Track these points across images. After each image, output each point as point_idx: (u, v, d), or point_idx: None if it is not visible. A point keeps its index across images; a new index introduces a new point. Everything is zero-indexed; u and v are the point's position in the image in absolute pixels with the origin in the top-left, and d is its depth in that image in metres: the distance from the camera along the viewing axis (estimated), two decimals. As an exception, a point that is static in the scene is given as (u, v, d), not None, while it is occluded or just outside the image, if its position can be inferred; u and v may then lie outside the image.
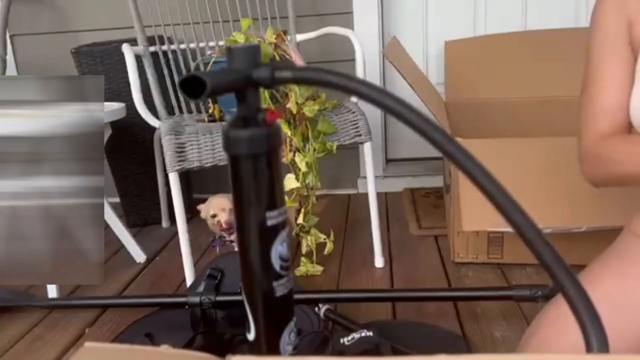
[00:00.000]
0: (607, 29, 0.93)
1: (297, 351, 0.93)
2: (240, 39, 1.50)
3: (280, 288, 0.83)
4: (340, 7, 2.29)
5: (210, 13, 2.03)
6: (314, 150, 1.48)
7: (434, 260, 1.76)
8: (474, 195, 1.18)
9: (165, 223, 2.23)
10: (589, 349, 0.65)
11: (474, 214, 1.47)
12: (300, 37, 2.06)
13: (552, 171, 1.39)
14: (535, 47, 2.19)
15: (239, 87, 0.73)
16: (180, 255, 1.62)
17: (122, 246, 1.90)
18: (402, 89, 1.56)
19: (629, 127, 0.93)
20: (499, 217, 0.98)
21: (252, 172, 0.77)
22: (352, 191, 2.47)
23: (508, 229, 1.02)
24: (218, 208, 1.58)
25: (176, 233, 2.08)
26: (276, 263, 0.82)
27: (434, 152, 1.66)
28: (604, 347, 0.64)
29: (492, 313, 1.39)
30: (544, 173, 1.42)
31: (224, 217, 1.56)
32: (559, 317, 0.91)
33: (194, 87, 0.68)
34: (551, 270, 0.61)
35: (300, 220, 1.56)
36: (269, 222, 0.80)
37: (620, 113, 0.92)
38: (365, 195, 1.74)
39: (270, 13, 2.07)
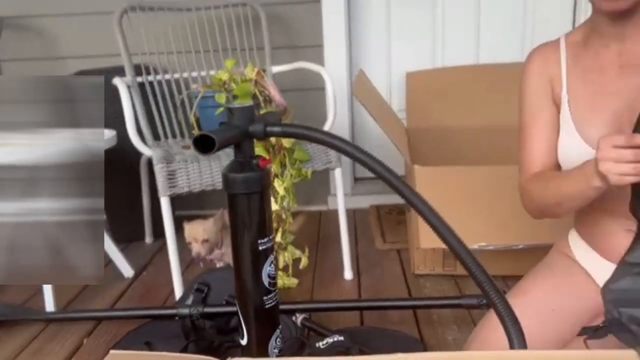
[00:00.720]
0: (533, 86, 1.12)
1: (281, 354, 1.10)
2: (224, 77, 1.65)
3: (269, 301, 1.00)
4: (312, 41, 2.45)
5: (193, 44, 2.17)
6: (291, 176, 1.64)
7: (397, 272, 1.93)
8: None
9: (148, 239, 2.34)
10: (511, 346, 0.84)
11: (431, 232, 1.64)
12: (275, 69, 2.22)
13: (496, 195, 1.57)
14: (487, 79, 2.40)
15: (238, 140, 0.91)
16: (166, 269, 1.75)
17: (110, 261, 2.01)
18: (369, 118, 1.75)
19: (557, 166, 1.11)
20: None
21: (247, 207, 0.94)
22: (323, 207, 2.63)
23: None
24: (191, 238, 1.74)
25: (160, 248, 2.21)
26: (266, 281, 0.99)
27: (400, 170, 1.83)
28: (522, 344, 0.83)
29: (446, 319, 1.57)
30: (489, 197, 1.61)
31: (195, 248, 1.72)
32: (497, 322, 1.09)
33: (204, 142, 0.84)
34: (477, 279, 0.80)
35: (278, 238, 1.71)
36: (261, 247, 0.97)
37: (547, 155, 1.10)
38: (336, 211, 1.91)
39: (248, 44, 2.22)
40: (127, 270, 2.01)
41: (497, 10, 2.50)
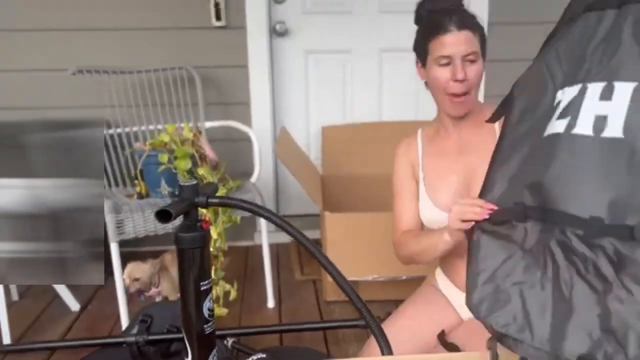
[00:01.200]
0: (400, 167, 1.49)
1: (216, 371, 1.40)
2: (166, 138, 1.94)
3: (208, 329, 1.31)
4: (241, 99, 2.77)
5: (133, 99, 2.44)
6: (223, 222, 1.94)
7: (312, 300, 2.26)
8: (337, 250, 1.77)
9: (90, 275, 2.55)
10: (382, 353, 1.23)
11: (337, 264, 1.99)
12: (208, 124, 2.53)
13: (388, 236, 1.95)
14: (389, 134, 2.80)
15: (187, 210, 1.23)
16: (109, 303, 1.99)
17: (57, 295, 2.21)
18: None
19: (421, 225, 1.48)
20: (356, 269, 1.74)
21: (192, 259, 1.25)
22: (250, 243, 2.92)
23: (362, 277, 1.70)
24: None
25: (101, 284, 2.43)
26: (206, 313, 1.30)
27: (316, 210, 2.19)
28: (389, 351, 1.22)
29: (349, 337, 1.91)
30: (383, 237, 1.97)
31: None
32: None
33: (162, 214, 1.15)
34: (356, 305, 1.17)
35: (211, 275, 2.00)
36: (202, 288, 1.28)
37: (412, 218, 1.45)
38: (261, 246, 2.22)
39: (184, 102, 2.52)
40: (74, 304, 2.21)
41: (396, 76, 2.92)
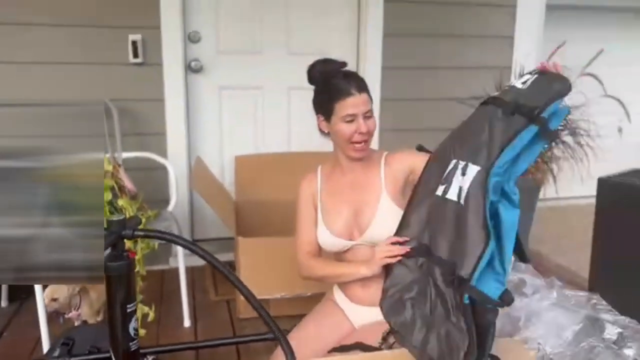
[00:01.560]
0: (303, 197, 1.72)
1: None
2: (87, 172, 2.06)
3: (133, 346, 1.46)
4: (157, 130, 2.90)
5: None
6: (141, 249, 2.08)
7: (225, 318, 2.43)
8: (249, 271, 1.98)
9: (4, 303, 2.55)
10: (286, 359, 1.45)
11: (250, 284, 2.19)
12: (125, 155, 2.64)
13: (294, 258, 2.17)
14: (297, 163, 3.03)
15: (115, 242, 1.39)
16: (26, 329, 2.05)
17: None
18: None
19: (320, 250, 1.73)
20: (266, 288, 2.02)
21: (119, 284, 1.40)
22: (165, 267, 3.03)
23: (272, 296, 1.96)
24: (49, 299, 2.04)
25: (16, 311, 2.45)
26: (131, 332, 1.46)
27: (230, 233, 2.36)
28: (293, 358, 1.44)
29: (259, 349, 2.09)
30: (289, 259, 2.19)
31: (52, 306, 2.05)
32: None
33: (95, 246, 1.29)
34: (264, 319, 1.37)
35: (136, 298, 2.12)
36: (128, 310, 1.43)
37: (312, 241, 1.69)
38: (176, 269, 2.36)
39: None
40: (-12, 332, 2.24)
41: (303, 111, 3.18)
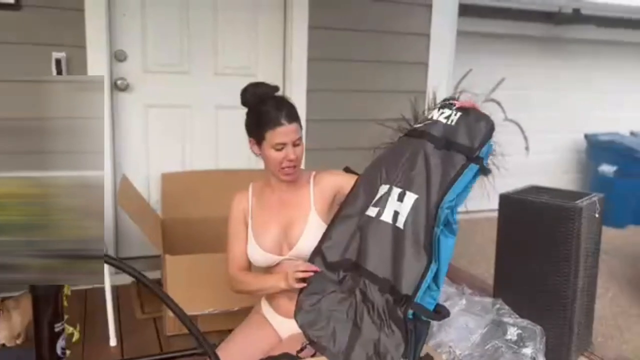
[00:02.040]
0: (234, 214, 1.79)
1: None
2: (9, 192, 2.02)
3: (61, 363, 1.46)
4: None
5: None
6: (67, 268, 2.06)
7: (153, 336, 2.43)
8: (177, 288, 2.02)
9: None
10: None
11: (178, 301, 2.22)
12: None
13: (221, 274, 2.22)
14: (225, 180, 3.08)
15: (44, 262, 1.39)
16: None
17: None
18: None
19: (250, 265, 1.80)
20: (195, 304, 2.09)
21: (46, 304, 1.42)
22: (88, 286, 2.97)
23: (201, 312, 2.03)
24: None
25: None
26: (59, 351, 1.47)
27: (156, 252, 2.37)
28: None
29: (188, 365, 2.14)
30: (219, 275, 2.24)
31: None
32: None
33: (23, 267, 1.31)
34: (193, 334, 1.43)
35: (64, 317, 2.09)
36: (56, 329, 1.44)
37: (243, 256, 1.76)
38: (100, 289, 2.34)
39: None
40: None
41: (231, 129, 3.24)
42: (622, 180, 5.04)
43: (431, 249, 1.34)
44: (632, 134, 5.64)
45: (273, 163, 1.66)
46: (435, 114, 1.50)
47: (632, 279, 3.81)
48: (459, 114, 1.45)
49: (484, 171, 1.40)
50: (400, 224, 1.40)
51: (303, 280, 1.56)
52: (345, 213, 1.57)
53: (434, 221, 1.35)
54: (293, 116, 1.64)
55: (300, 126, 1.68)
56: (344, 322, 1.45)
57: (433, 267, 1.33)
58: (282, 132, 1.61)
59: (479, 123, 1.42)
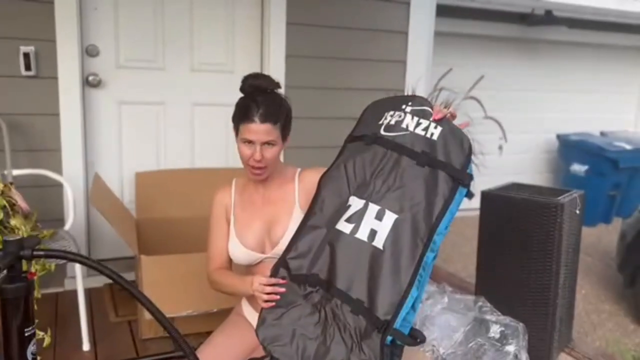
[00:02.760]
0: (216, 210, 1.73)
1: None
2: (-25, 190, 1.92)
3: (32, 370, 1.38)
4: (51, 146, 2.75)
5: None
6: (37, 270, 1.96)
7: (127, 339, 2.34)
8: (154, 290, 1.94)
9: None
10: None
11: (155, 303, 2.14)
12: (16, 172, 2.48)
13: (200, 275, 2.15)
14: (200, 179, 3.02)
15: (14, 262, 1.33)
16: None
17: None
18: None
19: (230, 260, 1.74)
20: (172, 306, 1.99)
21: (16, 308, 1.34)
22: (59, 289, 2.86)
23: (178, 314, 1.94)
24: None
25: None
26: (30, 356, 1.39)
27: (130, 252, 2.29)
28: None
29: (165, 368, 2.06)
30: (195, 276, 2.17)
31: None
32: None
33: (-12, 266, 1.23)
34: (174, 338, 1.37)
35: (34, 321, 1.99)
36: (26, 334, 1.37)
37: (223, 252, 1.70)
38: (72, 291, 2.24)
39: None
40: None
41: (208, 127, 3.18)
42: (593, 179, 5.14)
43: (415, 274, 1.27)
44: (602, 134, 5.75)
45: (241, 157, 1.61)
46: (410, 123, 1.40)
47: (603, 277, 3.87)
48: (438, 127, 1.36)
49: (470, 195, 1.35)
50: (378, 243, 1.32)
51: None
52: (312, 223, 1.47)
53: (425, 247, 1.28)
54: (270, 117, 1.55)
55: (281, 129, 1.59)
56: (309, 339, 1.37)
57: (414, 292, 1.27)
58: (252, 129, 1.55)
59: (462, 141, 1.34)
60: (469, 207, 4.46)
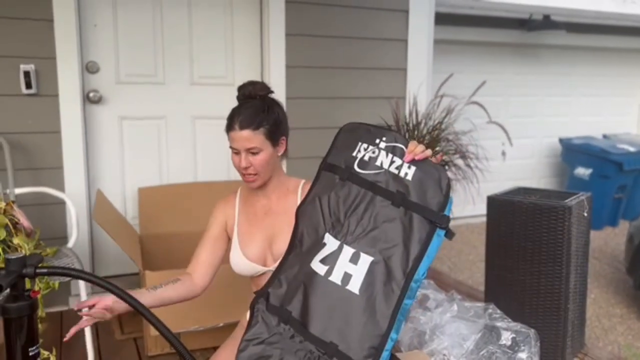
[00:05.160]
0: (216, 217, 1.70)
1: None
2: (-23, 209, 1.91)
3: (38, 390, 1.35)
4: (53, 164, 2.74)
5: None
6: (40, 289, 1.94)
7: (134, 356, 2.31)
8: (159, 307, 1.89)
9: None
10: None
11: (161, 319, 2.12)
12: (18, 191, 2.47)
13: (207, 290, 2.13)
14: (203, 193, 3.01)
15: (15, 281, 1.31)
16: None
17: None
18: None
19: (205, 273, 1.68)
20: (178, 322, 1.96)
21: (20, 327, 1.32)
22: (64, 308, 2.84)
23: (184, 329, 1.90)
24: None
25: None
26: (34, 376, 1.35)
27: (134, 269, 2.26)
28: None
29: (172, 386, 2.04)
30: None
31: None
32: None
33: (-9, 286, 1.21)
34: (181, 354, 1.35)
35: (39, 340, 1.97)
36: (31, 353, 1.34)
37: (206, 255, 1.66)
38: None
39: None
40: None
41: (209, 140, 3.17)
42: (598, 182, 5.11)
43: (393, 320, 1.24)
44: (604, 136, 5.73)
45: (234, 165, 1.61)
46: (385, 161, 1.36)
47: (612, 280, 3.83)
48: (412, 167, 1.32)
49: (450, 234, 1.29)
50: (354, 288, 1.29)
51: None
52: (292, 258, 1.43)
53: (402, 293, 1.25)
54: (248, 124, 1.54)
55: (266, 135, 1.56)
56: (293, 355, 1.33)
57: (394, 335, 1.25)
58: (233, 137, 1.56)
59: (439, 180, 1.30)
60: (474, 213, 4.45)
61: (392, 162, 1.35)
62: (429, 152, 1.34)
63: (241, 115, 1.55)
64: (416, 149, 1.34)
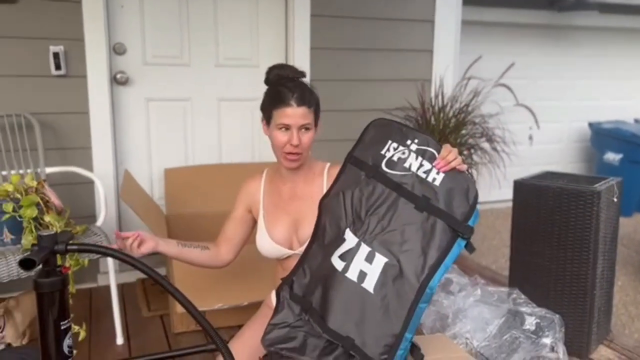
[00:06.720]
0: (239, 195, 1.73)
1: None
2: (10, 188, 1.96)
3: (68, 363, 1.39)
4: (81, 144, 2.79)
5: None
6: (70, 265, 1.99)
7: (160, 334, 2.37)
8: (185, 284, 1.95)
9: None
10: None
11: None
12: (49, 169, 2.53)
13: (230, 270, 2.15)
14: (228, 174, 3.03)
15: (48, 257, 1.34)
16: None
17: None
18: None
19: (236, 247, 1.74)
20: (203, 300, 2.01)
21: (52, 301, 1.35)
22: (93, 285, 2.91)
23: (209, 307, 1.94)
24: None
25: None
26: (66, 349, 1.40)
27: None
28: None
29: (197, 362, 2.07)
30: (227, 271, 2.18)
31: None
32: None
33: (26, 263, 1.26)
34: (207, 331, 1.38)
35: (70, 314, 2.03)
36: (62, 327, 1.38)
37: (230, 231, 1.73)
38: (105, 287, 2.27)
39: (22, 147, 2.50)
40: None
41: (233, 122, 3.18)
42: (628, 168, 4.98)
43: (408, 321, 1.26)
44: (636, 121, 5.58)
45: (277, 145, 1.60)
46: (414, 163, 1.35)
47: (641, 267, 3.76)
48: (442, 174, 1.31)
49: (471, 247, 1.28)
50: (369, 286, 1.30)
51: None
52: (314, 250, 1.45)
53: (417, 297, 1.26)
54: (305, 100, 1.56)
55: (315, 113, 1.60)
56: (315, 342, 1.36)
57: (408, 335, 1.27)
58: (288, 113, 1.55)
59: (467, 190, 1.29)
60: (499, 198, 4.39)
61: (421, 165, 1.34)
62: (462, 164, 1.33)
63: (296, 92, 1.55)
64: (449, 156, 1.33)
